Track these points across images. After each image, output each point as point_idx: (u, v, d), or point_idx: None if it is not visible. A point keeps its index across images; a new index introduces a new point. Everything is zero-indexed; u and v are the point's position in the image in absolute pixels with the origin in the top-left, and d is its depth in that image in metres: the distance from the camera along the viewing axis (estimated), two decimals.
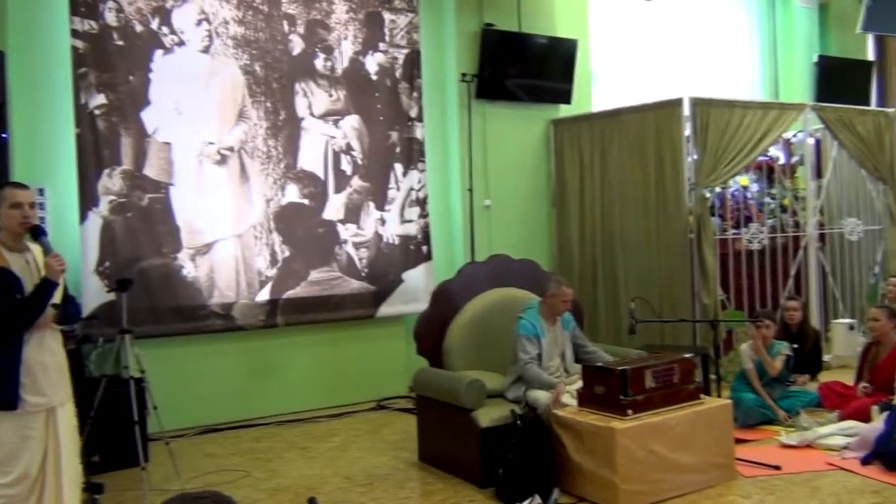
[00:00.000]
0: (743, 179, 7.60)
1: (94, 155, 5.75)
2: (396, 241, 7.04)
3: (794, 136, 7.92)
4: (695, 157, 6.72)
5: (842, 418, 5.31)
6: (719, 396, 5.10)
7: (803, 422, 5.26)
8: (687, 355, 4.64)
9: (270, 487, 4.73)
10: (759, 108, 7.02)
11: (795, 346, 5.93)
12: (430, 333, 5.22)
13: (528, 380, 4.66)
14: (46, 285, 3.33)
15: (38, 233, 3.43)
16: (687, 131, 6.73)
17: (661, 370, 4.33)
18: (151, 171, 5.99)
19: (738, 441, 5.09)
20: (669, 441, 4.20)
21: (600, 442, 4.12)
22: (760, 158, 7.43)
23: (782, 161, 7.95)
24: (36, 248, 3.45)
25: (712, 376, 5.88)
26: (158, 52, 6.02)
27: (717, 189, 7.14)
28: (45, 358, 3.36)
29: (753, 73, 9.91)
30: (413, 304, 6.90)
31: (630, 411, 4.14)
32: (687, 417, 4.31)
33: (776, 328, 5.88)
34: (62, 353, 3.50)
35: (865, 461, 4.59)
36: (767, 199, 7.69)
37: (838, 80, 9.65)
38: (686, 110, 6.70)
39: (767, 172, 7.79)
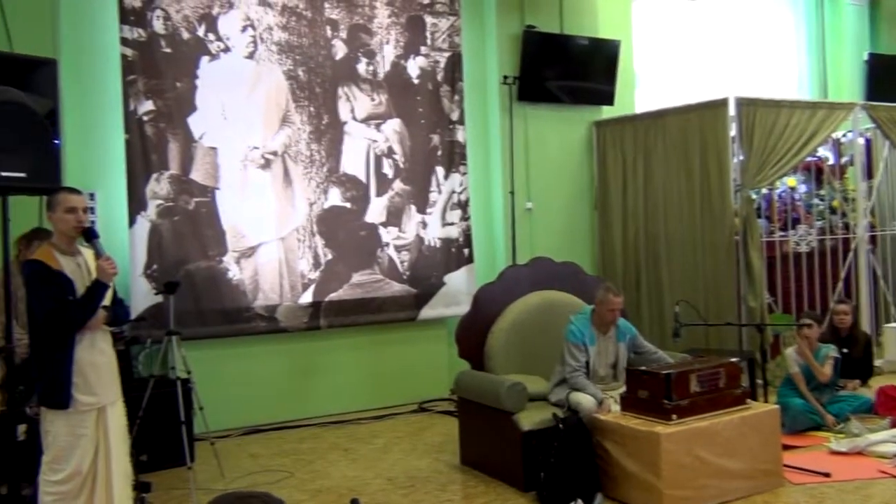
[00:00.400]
0: (791, 180, 7.46)
1: (142, 160, 5.88)
2: (438, 244, 7.06)
3: (844, 135, 7.75)
4: (741, 157, 6.61)
5: (894, 425, 5.18)
6: (766, 402, 5.01)
7: (854, 428, 5.14)
8: (733, 359, 4.56)
9: (314, 488, 4.78)
10: (806, 108, 6.88)
11: (845, 350, 5.80)
12: (471, 336, 5.22)
13: (571, 384, 4.61)
14: (98, 287, 3.41)
15: (90, 235, 3.51)
16: (732, 132, 6.63)
17: (707, 374, 4.27)
18: (198, 175, 6.10)
19: (786, 447, 4.99)
20: (715, 446, 4.14)
21: (644, 447, 4.07)
22: (809, 159, 7.28)
23: (831, 161, 7.78)
24: (87, 252, 3.53)
25: (759, 381, 5.78)
26: (205, 59, 6.13)
27: (764, 190, 7.02)
28: (96, 358, 3.43)
29: (801, 71, 9.73)
30: (454, 306, 6.92)
31: (674, 416, 4.09)
32: (733, 423, 4.24)
33: (820, 329, 5.75)
34: (112, 353, 3.58)
35: None
36: (816, 201, 7.54)
37: (889, 78, 9.40)
38: (732, 110, 6.60)
39: (816, 173, 7.63)
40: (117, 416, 3.53)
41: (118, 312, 3.62)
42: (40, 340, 3.35)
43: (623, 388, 4.50)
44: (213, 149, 6.14)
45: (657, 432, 4.03)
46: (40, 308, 3.29)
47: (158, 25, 5.94)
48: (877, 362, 6.78)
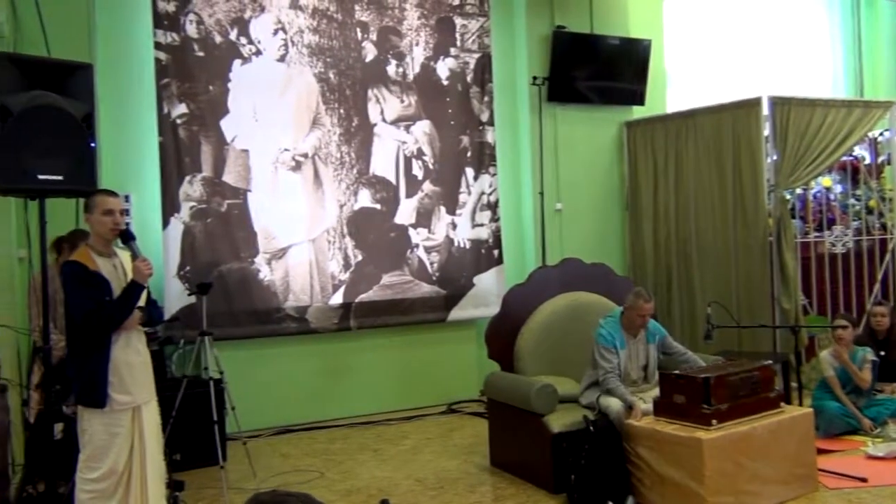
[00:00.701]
0: (826, 180, 7.34)
1: (175, 163, 5.95)
2: (467, 245, 7.06)
3: (881, 134, 7.60)
4: (774, 157, 6.53)
5: None
6: (801, 405, 4.93)
7: (892, 432, 5.05)
8: (766, 362, 4.49)
9: (344, 489, 4.80)
10: (842, 107, 6.77)
11: (882, 353, 5.68)
12: (501, 337, 5.21)
13: (608, 391, 4.58)
14: (134, 287, 3.46)
15: (128, 237, 3.56)
16: (766, 131, 6.54)
17: (743, 378, 4.21)
18: (230, 177, 6.16)
19: (822, 451, 4.92)
20: (753, 451, 4.07)
21: (685, 453, 3.97)
22: (844, 158, 7.16)
23: (868, 161, 7.64)
24: (123, 254, 3.58)
25: (793, 384, 5.70)
26: (237, 62, 6.20)
27: (799, 191, 6.92)
28: (131, 358, 3.48)
29: (836, 69, 9.57)
30: (484, 308, 6.92)
31: (714, 421, 3.99)
32: (770, 427, 4.17)
33: (855, 332, 5.63)
34: (146, 353, 3.62)
35: None
36: (852, 201, 7.41)
37: None
38: (765, 109, 6.52)
39: (852, 173, 7.50)
40: (152, 415, 3.57)
41: (152, 313, 3.67)
42: (77, 340, 3.40)
43: (656, 391, 4.45)
44: (245, 151, 6.21)
45: (699, 438, 3.92)
46: (79, 308, 3.34)
47: (191, 30, 6.02)
48: None
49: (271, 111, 6.30)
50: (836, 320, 5.62)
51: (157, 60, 5.88)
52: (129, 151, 5.93)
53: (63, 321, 3.70)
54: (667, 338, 4.84)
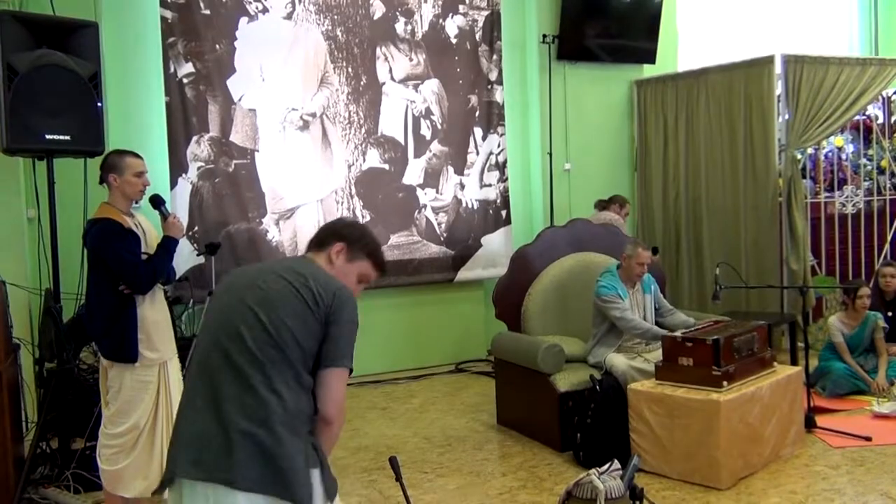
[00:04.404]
0: (838, 140, 7.27)
1: (182, 122, 5.93)
2: (475, 206, 7.05)
3: (895, 93, 7.50)
4: (786, 117, 6.46)
5: None
6: (807, 365, 4.95)
7: None
8: (760, 322, 4.47)
9: (353, 446, 4.86)
10: (856, 65, 6.66)
11: (890, 314, 5.68)
12: (508, 298, 5.23)
13: (630, 329, 4.55)
14: (171, 242, 3.52)
15: (159, 202, 3.63)
16: (778, 90, 6.46)
17: (746, 338, 4.22)
18: (237, 137, 6.14)
19: (827, 411, 4.96)
20: (757, 411, 4.08)
21: (700, 416, 3.91)
22: (857, 118, 7.08)
23: (881, 120, 7.55)
24: (139, 216, 3.59)
25: (800, 344, 5.71)
26: (243, 20, 6.13)
27: (810, 150, 6.86)
28: (157, 315, 3.50)
29: (851, 27, 9.40)
30: (492, 268, 6.93)
31: (725, 383, 3.97)
32: (771, 387, 4.19)
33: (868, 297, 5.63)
34: (167, 310, 3.65)
35: None
36: (864, 161, 7.34)
37: None
38: (778, 68, 6.43)
39: (864, 132, 7.42)
40: (175, 371, 3.62)
41: (168, 272, 3.70)
42: (103, 298, 3.40)
43: (658, 353, 4.41)
44: (252, 111, 6.17)
45: (717, 400, 3.87)
46: (128, 264, 3.34)
47: None
48: None
49: (278, 70, 6.25)
50: (859, 289, 5.53)
51: (163, 19, 5.83)
52: (136, 111, 5.90)
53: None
54: (658, 291, 4.90)
